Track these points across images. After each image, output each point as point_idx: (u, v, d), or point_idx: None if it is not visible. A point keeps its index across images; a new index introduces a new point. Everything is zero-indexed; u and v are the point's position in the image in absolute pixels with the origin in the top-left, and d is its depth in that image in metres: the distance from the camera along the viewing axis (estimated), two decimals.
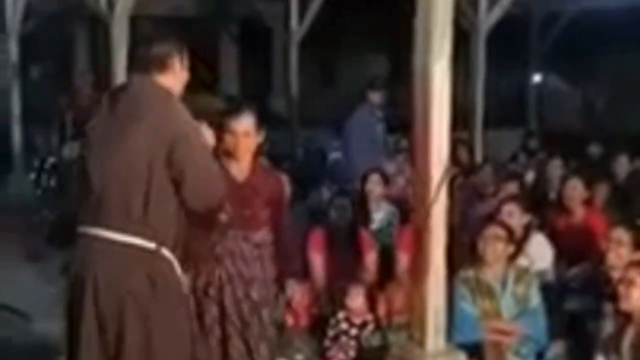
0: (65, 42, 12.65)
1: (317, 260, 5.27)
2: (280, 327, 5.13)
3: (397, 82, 15.83)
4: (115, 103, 3.18)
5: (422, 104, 4.04)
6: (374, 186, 5.99)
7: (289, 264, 4.25)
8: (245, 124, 3.83)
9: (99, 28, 9.03)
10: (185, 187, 3.06)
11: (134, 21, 7.00)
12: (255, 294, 3.89)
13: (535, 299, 4.53)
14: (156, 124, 3.06)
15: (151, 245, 3.05)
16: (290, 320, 5.22)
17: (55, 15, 10.86)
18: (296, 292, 5.20)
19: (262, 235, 3.94)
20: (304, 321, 5.27)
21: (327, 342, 4.94)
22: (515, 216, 5.12)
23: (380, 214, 5.98)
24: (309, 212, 6.19)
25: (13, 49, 9.53)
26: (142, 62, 3.25)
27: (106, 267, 3.04)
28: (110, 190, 3.05)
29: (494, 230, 4.62)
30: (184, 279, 3.28)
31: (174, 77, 3.28)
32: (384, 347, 4.75)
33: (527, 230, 5.18)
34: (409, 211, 5.73)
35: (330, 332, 4.94)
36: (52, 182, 8.94)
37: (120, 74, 6.41)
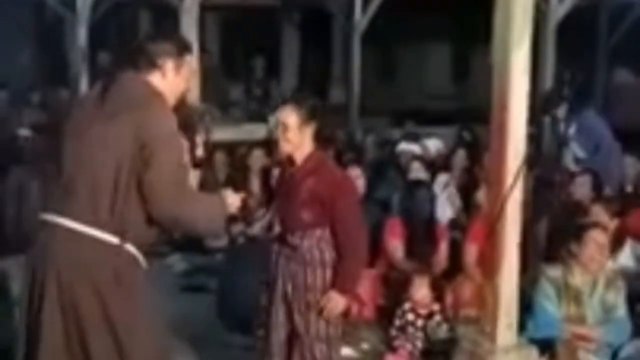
0: (133, 30, 12.82)
1: (397, 247, 5.26)
2: (345, 315, 5.15)
3: (459, 75, 15.80)
4: (102, 95, 3.05)
5: (499, 95, 4.00)
6: None
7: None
8: (282, 116, 3.72)
9: (166, 16, 9.14)
10: (147, 191, 2.92)
11: (202, 11, 7.08)
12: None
13: (622, 308, 4.39)
14: (133, 123, 2.92)
15: (115, 240, 2.95)
16: (355, 309, 5.23)
17: (124, 2, 11.00)
18: (362, 281, 5.20)
19: (302, 236, 3.75)
20: (369, 310, 5.28)
21: (393, 332, 4.93)
22: (602, 219, 5.00)
23: None
24: (380, 203, 6.17)
25: (82, 35, 9.69)
26: (133, 56, 3.09)
27: (69, 259, 2.94)
28: (79, 183, 2.95)
29: (597, 236, 4.42)
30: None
31: (164, 80, 3.08)
32: (452, 340, 4.72)
33: (620, 237, 5.02)
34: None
35: (397, 322, 4.93)
36: None
37: (191, 64, 6.47)
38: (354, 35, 10.97)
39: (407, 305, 4.96)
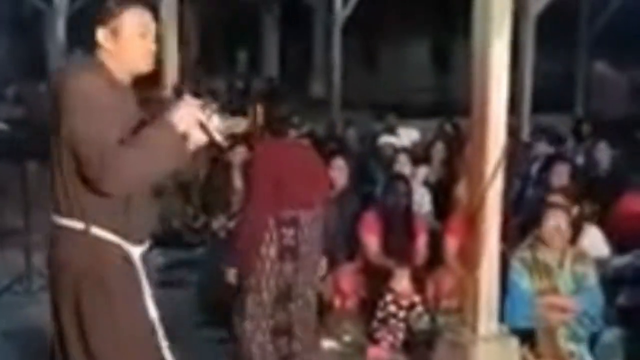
0: None
1: (372, 242, 5.26)
2: (328, 308, 5.17)
3: (440, 67, 15.86)
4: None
5: (480, 86, 4.01)
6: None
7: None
8: None
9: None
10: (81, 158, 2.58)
11: (182, 3, 7.04)
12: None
13: (592, 278, 4.49)
14: (52, 93, 2.69)
15: (80, 225, 2.67)
16: (338, 302, 5.24)
17: None
18: (344, 273, 5.22)
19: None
20: (351, 303, 5.27)
21: (375, 324, 4.93)
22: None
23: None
24: (362, 195, 6.17)
25: (60, 28, 9.61)
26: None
27: (51, 253, 2.76)
28: (53, 173, 2.73)
29: (553, 214, 4.56)
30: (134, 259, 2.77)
31: (109, 54, 2.70)
32: (433, 330, 4.74)
33: (578, 222, 5.08)
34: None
35: (379, 314, 4.94)
36: None
37: (170, 56, 6.45)
38: (335, 29, 10.97)
39: (388, 297, 4.96)
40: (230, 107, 9.73)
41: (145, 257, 2.79)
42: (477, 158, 4.07)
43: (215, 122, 2.67)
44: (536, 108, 9.40)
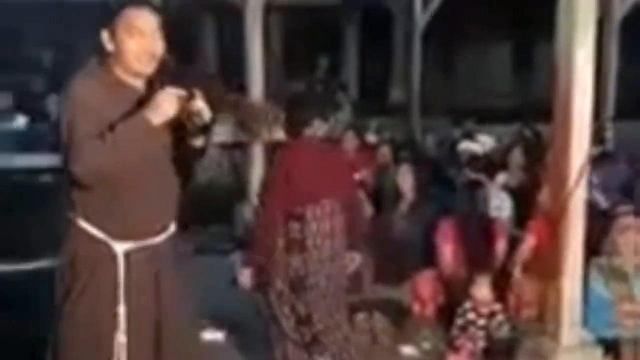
0: (199, 31, 13.03)
1: (447, 250, 5.25)
2: (407, 314, 5.19)
3: (521, 72, 15.61)
4: None
5: (563, 91, 3.97)
6: None
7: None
8: None
9: (230, 17, 9.25)
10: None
11: (266, 11, 7.16)
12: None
13: None
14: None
15: (70, 215, 2.80)
16: (417, 308, 5.25)
17: (188, 3, 11.19)
18: (423, 280, 5.23)
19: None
20: (430, 310, 5.27)
21: (455, 332, 4.91)
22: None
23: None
24: (438, 201, 6.18)
25: None
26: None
27: None
28: None
29: (625, 221, 4.65)
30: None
31: (113, 59, 2.77)
32: (514, 339, 4.69)
33: None
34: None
35: (458, 322, 4.92)
36: None
37: (253, 63, 6.57)
38: (414, 34, 10.97)
39: (468, 305, 4.94)
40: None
41: (142, 251, 2.82)
42: (559, 164, 4.03)
43: (200, 106, 2.69)
44: (619, 114, 9.19)
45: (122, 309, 2.79)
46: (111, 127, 2.63)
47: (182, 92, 2.67)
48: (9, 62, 12.65)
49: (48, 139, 7.62)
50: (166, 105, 2.65)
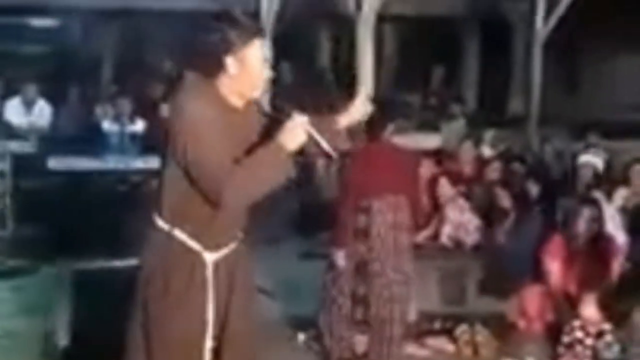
0: (314, 41, 13.24)
1: (554, 267, 5.13)
2: (512, 328, 5.10)
3: None
4: None
5: None
6: None
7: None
8: None
9: (342, 26, 9.35)
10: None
11: (380, 21, 7.21)
12: None
13: None
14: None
15: (165, 226, 2.91)
16: (522, 324, 5.15)
17: (303, 13, 11.39)
18: (530, 295, 5.13)
19: None
20: (537, 326, 5.15)
21: (560, 349, 4.80)
22: None
23: None
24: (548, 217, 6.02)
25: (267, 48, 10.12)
26: (199, 60, 2.93)
27: (143, 246, 3.04)
28: (160, 177, 3.01)
29: None
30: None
31: (231, 79, 2.84)
32: None
33: None
34: None
35: (565, 339, 4.79)
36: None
37: (365, 72, 6.62)
38: (535, 45, 10.76)
39: (575, 323, 4.81)
40: (422, 123, 9.89)
41: (224, 260, 2.95)
42: None
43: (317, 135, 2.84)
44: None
45: (210, 316, 2.93)
46: (246, 153, 2.80)
47: (306, 119, 2.80)
48: (132, 69, 13.30)
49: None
50: (299, 132, 2.78)
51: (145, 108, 9.32)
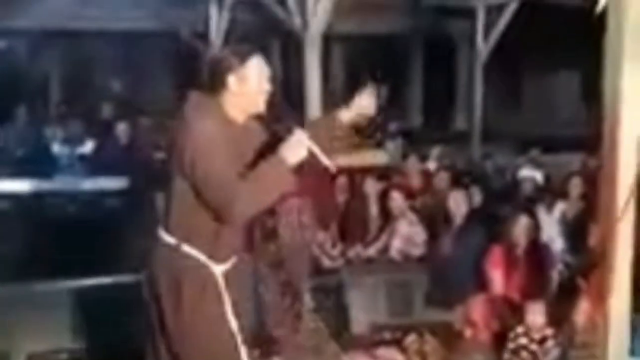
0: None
1: (496, 275, 5.32)
2: (458, 337, 5.26)
3: (589, 100, 15.44)
4: None
5: (610, 119, 4.02)
6: None
7: None
8: None
9: (289, 45, 9.46)
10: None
11: (327, 40, 7.36)
12: None
13: None
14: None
15: (173, 241, 3.03)
16: (468, 332, 5.32)
17: (252, 33, 11.52)
18: (476, 304, 5.30)
19: None
20: (482, 334, 5.33)
21: (506, 356, 4.96)
22: None
23: None
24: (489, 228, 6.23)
25: None
26: (202, 80, 3.15)
27: (147, 259, 3.17)
28: (167, 192, 3.17)
29: None
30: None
31: (233, 96, 3.05)
32: None
33: None
34: None
35: (510, 345, 4.96)
36: None
37: (312, 91, 6.76)
38: (477, 63, 11.05)
39: (520, 329, 4.98)
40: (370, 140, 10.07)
41: (233, 270, 3.07)
42: (607, 192, 4.08)
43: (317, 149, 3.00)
44: None
45: (234, 325, 3.04)
46: (248, 167, 2.95)
47: (306, 135, 2.97)
48: (80, 89, 13.23)
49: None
50: (300, 146, 2.95)
51: (97, 128, 9.33)
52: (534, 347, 4.92)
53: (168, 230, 3.00)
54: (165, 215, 3.02)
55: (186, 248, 2.98)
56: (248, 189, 2.84)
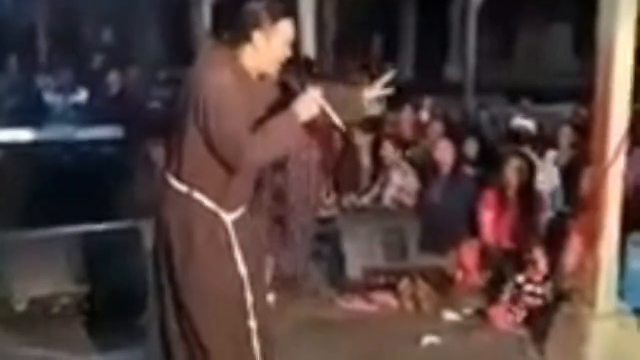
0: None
1: (488, 218, 5.42)
2: (450, 282, 5.38)
3: (582, 51, 15.44)
4: None
5: (604, 70, 4.08)
6: None
7: None
8: None
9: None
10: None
11: None
12: None
13: None
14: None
15: (184, 188, 3.06)
16: (460, 276, 5.44)
17: None
18: (467, 249, 5.41)
19: None
20: (473, 277, 5.45)
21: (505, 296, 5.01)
22: None
23: None
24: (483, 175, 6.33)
25: (206, 15, 10.14)
26: (222, 29, 3.07)
27: (158, 207, 3.17)
28: (178, 140, 3.13)
29: None
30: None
31: (255, 52, 3.00)
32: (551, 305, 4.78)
33: None
34: None
35: (513, 292, 4.97)
36: None
37: (307, 41, 6.76)
38: (470, 12, 11.02)
39: (520, 278, 4.96)
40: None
41: (242, 219, 3.11)
42: (598, 142, 4.16)
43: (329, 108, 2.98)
44: None
45: (243, 270, 3.07)
46: (259, 121, 2.94)
47: (319, 92, 2.96)
48: (70, 39, 13.11)
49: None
50: (312, 103, 2.96)
51: (87, 78, 9.31)
52: (539, 290, 4.98)
53: (179, 177, 3.02)
54: (176, 163, 3.03)
55: (197, 195, 3.01)
56: (260, 141, 2.88)
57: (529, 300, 4.95)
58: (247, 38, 2.93)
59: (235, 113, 2.88)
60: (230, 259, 3.06)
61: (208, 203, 3.03)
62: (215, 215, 3.04)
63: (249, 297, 3.08)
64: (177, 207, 3.04)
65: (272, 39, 2.95)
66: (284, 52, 3.01)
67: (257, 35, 2.93)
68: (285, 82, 3.12)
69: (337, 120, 3.01)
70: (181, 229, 3.02)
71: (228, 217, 3.07)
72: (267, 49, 2.96)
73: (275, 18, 2.94)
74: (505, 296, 5.00)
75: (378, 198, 6.52)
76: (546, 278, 4.99)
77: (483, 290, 5.27)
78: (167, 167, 3.09)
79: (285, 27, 2.97)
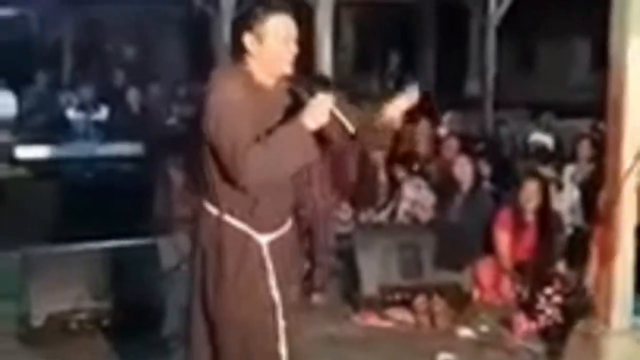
0: None
1: (504, 238, 5.42)
2: (466, 299, 5.38)
3: (601, 66, 15.40)
4: None
5: (616, 86, 4.08)
6: None
7: None
8: None
9: (302, 12, 9.47)
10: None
11: (338, 6, 7.39)
12: None
13: None
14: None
15: (215, 211, 2.98)
16: (476, 294, 5.44)
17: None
18: (483, 266, 5.41)
19: None
20: (489, 294, 5.45)
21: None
22: None
23: None
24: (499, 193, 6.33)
25: (226, 32, 10.26)
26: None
27: (192, 229, 3.13)
28: (201, 163, 3.07)
29: None
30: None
31: (253, 58, 2.90)
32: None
33: None
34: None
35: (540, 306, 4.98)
36: None
37: (324, 58, 6.81)
38: (489, 28, 11.03)
39: (549, 290, 4.99)
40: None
41: (279, 241, 3.01)
42: (612, 156, 4.15)
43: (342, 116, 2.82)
44: None
45: (276, 294, 2.99)
46: (268, 132, 2.78)
47: (330, 99, 2.81)
48: (92, 56, 13.27)
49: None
50: (321, 111, 2.78)
51: (108, 95, 9.44)
52: (565, 302, 4.94)
53: (210, 200, 2.97)
54: (205, 186, 2.97)
55: (228, 218, 2.94)
56: (261, 153, 2.73)
57: (554, 312, 4.94)
58: (242, 46, 2.86)
59: (236, 124, 2.76)
60: (264, 282, 2.97)
61: (239, 225, 2.95)
62: (247, 237, 2.96)
63: (281, 322, 2.99)
64: (210, 230, 2.99)
65: (265, 38, 2.84)
66: (287, 49, 2.88)
67: (248, 39, 2.85)
68: (296, 92, 2.97)
69: (349, 126, 2.83)
70: (215, 252, 2.96)
71: (263, 239, 2.97)
72: (262, 49, 2.85)
73: (262, 17, 2.84)
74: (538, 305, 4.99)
75: (393, 213, 6.54)
76: (573, 292, 4.99)
77: (499, 308, 5.26)
78: (202, 190, 3.02)
79: (275, 23, 2.85)
